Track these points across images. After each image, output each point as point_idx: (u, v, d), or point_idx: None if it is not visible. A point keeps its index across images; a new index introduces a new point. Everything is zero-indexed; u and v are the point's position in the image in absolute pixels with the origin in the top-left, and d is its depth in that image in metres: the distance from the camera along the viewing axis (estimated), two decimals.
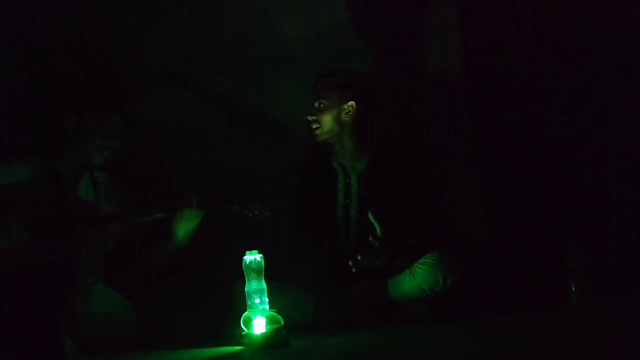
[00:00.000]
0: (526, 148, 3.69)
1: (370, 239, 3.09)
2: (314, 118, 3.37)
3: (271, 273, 2.90)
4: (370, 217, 3.14)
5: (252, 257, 2.87)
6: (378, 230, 3.13)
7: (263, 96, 3.74)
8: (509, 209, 3.66)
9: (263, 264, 2.87)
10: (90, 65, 3.55)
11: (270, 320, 2.84)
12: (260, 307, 2.84)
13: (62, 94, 3.31)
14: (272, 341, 2.79)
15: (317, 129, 3.38)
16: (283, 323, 2.84)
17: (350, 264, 3.09)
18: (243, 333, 2.84)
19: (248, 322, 2.83)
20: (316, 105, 3.38)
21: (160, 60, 3.68)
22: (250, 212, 3.15)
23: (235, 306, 3.02)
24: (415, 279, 3.11)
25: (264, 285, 2.86)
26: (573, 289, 3.21)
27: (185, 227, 3.14)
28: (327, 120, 3.36)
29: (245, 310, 2.85)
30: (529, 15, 3.71)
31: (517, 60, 3.71)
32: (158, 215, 3.14)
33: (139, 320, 3.05)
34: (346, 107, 3.36)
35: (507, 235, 3.63)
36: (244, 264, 2.87)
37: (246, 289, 2.86)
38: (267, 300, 2.86)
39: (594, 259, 3.24)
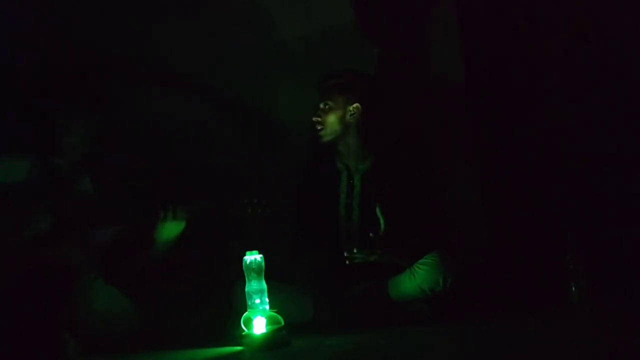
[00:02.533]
0: (526, 148, 3.69)
1: (371, 235, 3.10)
2: (319, 119, 3.38)
3: (271, 273, 2.90)
4: (378, 211, 3.14)
5: (252, 257, 2.87)
6: (382, 225, 3.13)
7: (264, 95, 3.73)
8: (509, 209, 3.66)
9: (263, 264, 2.87)
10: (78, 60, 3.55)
11: (270, 320, 2.84)
12: (260, 307, 2.84)
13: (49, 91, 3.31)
14: (272, 341, 2.79)
15: (321, 129, 3.38)
16: (283, 323, 2.84)
17: (345, 254, 3.09)
18: (243, 333, 2.84)
19: (248, 322, 2.83)
20: (321, 106, 3.38)
21: (160, 59, 3.67)
22: (250, 212, 3.14)
23: (235, 306, 3.02)
24: (416, 279, 3.11)
25: (264, 285, 2.86)
26: (573, 289, 3.21)
27: (164, 236, 3.12)
28: (332, 121, 3.36)
29: (245, 310, 2.86)
30: (529, 14, 3.71)
31: (517, 60, 3.71)
32: (140, 222, 3.14)
33: (139, 317, 3.05)
34: (351, 108, 3.36)
35: (507, 235, 3.63)
36: (244, 264, 2.87)
37: (246, 289, 2.87)
38: (267, 300, 2.86)
39: (594, 259, 3.24)
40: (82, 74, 3.39)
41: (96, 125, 3.23)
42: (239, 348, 2.82)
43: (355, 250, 3.09)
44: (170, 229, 3.12)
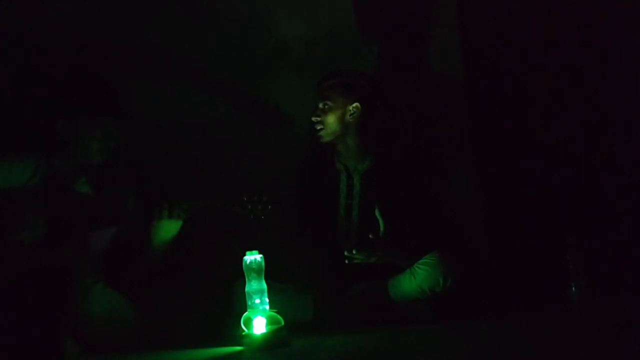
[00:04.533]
0: (526, 148, 3.70)
1: (370, 236, 3.09)
2: (318, 119, 3.37)
3: (271, 273, 2.90)
4: (376, 212, 3.14)
5: (252, 257, 2.87)
6: (381, 227, 3.13)
7: (264, 94, 3.73)
8: (509, 209, 3.66)
9: (263, 264, 2.87)
10: (86, 64, 3.53)
11: (270, 320, 2.84)
12: (260, 307, 2.84)
13: (56, 95, 3.29)
14: (272, 341, 2.79)
15: (320, 129, 3.37)
16: (283, 323, 2.84)
17: (345, 253, 3.09)
18: (243, 333, 2.84)
19: (248, 322, 2.83)
20: (320, 106, 3.37)
21: (159, 57, 3.67)
22: (250, 212, 3.13)
23: (235, 306, 3.02)
24: (416, 279, 3.11)
25: (264, 285, 2.86)
26: (573, 289, 3.21)
27: (161, 236, 3.11)
28: (331, 121, 3.35)
29: (245, 310, 2.86)
30: (530, 14, 3.71)
31: (518, 60, 3.71)
32: (137, 222, 3.13)
33: (139, 320, 3.05)
34: (351, 108, 3.35)
35: (507, 235, 3.63)
36: (244, 264, 2.87)
37: (246, 289, 2.87)
38: (267, 300, 2.86)
39: (594, 259, 3.25)
40: (100, 75, 3.38)
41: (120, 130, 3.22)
42: (239, 348, 2.82)
43: (354, 251, 3.09)
44: (167, 228, 3.11)
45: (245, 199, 3.12)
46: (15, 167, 3.11)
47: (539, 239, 3.59)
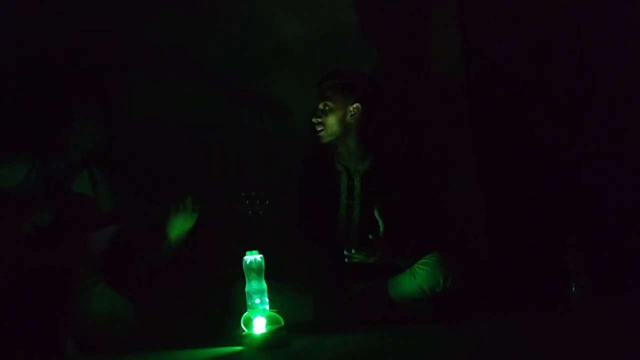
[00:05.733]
0: (526, 148, 3.70)
1: (370, 236, 3.09)
2: (319, 120, 3.36)
3: (271, 273, 2.90)
4: (376, 213, 3.14)
5: (252, 257, 2.87)
6: (381, 227, 3.13)
7: (264, 94, 3.73)
8: (509, 209, 3.66)
9: (263, 264, 2.87)
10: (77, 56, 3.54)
11: (270, 320, 2.84)
12: (260, 307, 2.84)
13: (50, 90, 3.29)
14: (272, 341, 2.79)
15: (321, 130, 3.37)
16: (283, 323, 2.84)
17: (345, 252, 3.09)
18: (243, 333, 2.84)
19: (248, 322, 2.83)
20: (320, 106, 3.36)
21: (161, 57, 3.67)
22: (249, 208, 3.13)
23: (235, 306, 3.02)
24: (416, 279, 3.11)
25: (264, 285, 2.86)
26: (573, 289, 3.21)
27: (178, 229, 3.12)
28: (332, 121, 3.35)
29: (245, 310, 2.86)
30: (530, 14, 3.71)
31: (518, 61, 3.71)
32: (152, 217, 3.13)
33: (139, 320, 3.05)
34: (351, 108, 3.35)
35: (507, 235, 3.63)
36: (244, 264, 2.87)
37: (246, 289, 2.87)
38: (267, 300, 2.86)
39: (594, 259, 3.24)
40: (90, 73, 3.37)
41: (106, 128, 3.22)
42: (239, 348, 2.82)
43: (354, 251, 3.09)
44: (183, 221, 3.12)
45: (243, 195, 3.13)
46: (14, 166, 3.12)
47: (539, 239, 3.59)
